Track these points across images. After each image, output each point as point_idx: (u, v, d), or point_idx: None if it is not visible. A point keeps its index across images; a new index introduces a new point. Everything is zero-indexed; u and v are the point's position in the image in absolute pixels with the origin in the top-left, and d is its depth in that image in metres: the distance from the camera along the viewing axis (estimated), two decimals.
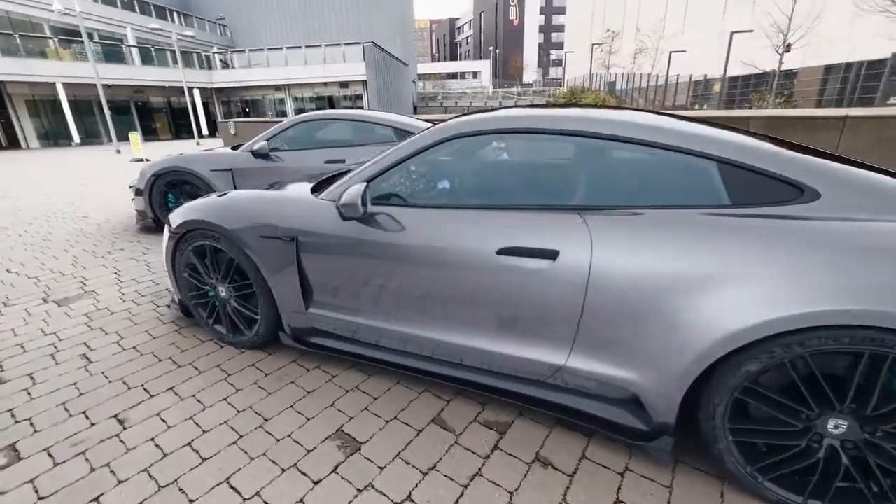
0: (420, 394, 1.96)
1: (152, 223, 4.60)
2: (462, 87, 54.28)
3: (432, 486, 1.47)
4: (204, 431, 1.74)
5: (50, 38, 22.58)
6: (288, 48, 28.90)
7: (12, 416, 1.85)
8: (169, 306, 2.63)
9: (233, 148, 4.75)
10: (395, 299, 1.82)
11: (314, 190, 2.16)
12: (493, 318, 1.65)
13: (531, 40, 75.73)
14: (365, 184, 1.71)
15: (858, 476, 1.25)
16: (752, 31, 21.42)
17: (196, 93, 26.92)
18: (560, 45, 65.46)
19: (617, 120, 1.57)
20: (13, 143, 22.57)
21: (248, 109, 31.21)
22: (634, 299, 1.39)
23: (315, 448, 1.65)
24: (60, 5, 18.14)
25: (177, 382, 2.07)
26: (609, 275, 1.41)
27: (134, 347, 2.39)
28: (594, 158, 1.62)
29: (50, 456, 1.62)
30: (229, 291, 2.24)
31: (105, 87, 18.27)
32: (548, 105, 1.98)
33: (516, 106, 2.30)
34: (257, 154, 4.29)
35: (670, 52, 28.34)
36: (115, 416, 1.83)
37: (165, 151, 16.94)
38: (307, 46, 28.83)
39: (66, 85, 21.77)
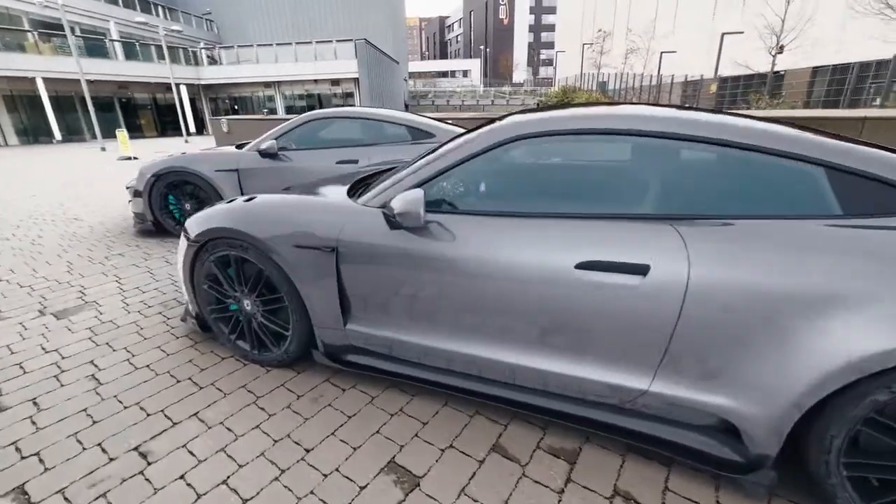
0: (472, 417, 1.80)
1: (152, 226, 4.35)
2: (453, 86, 54.06)
3: None
4: (240, 466, 1.56)
5: (29, 31, 21.72)
6: (278, 45, 28.31)
7: (17, 450, 1.64)
8: (184, 320, 2.42)
9: (237, 147, 4.52)
10: (450, 316, 1.65)
11: (349, 195, 1.99)
12: (567, 338, 1.49)
13: (521, 39, 75.83)
14: (422, 190, 1.54)
15: None
16: (742, 32, 21.68)
17: (183, 89, 26.23)
18: (549, 45, 65.69)
19: (713, 122, 1.43)
20: None
21: (236, 107, 30.53)
22: (737, 320, 1.25)
23: (368, 484, 1.48)
24: None
25: (200, 407, 1.87)
26: (708, 292, 1.27)
27: (147, 366, 2.18)
28: (680, 163, 1.47)
29: (66, 500, 1.42)
30: (256, 305, 2.05)
31: (88, 82, 17.60)
32: (590, 104, 1.83)
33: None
34: (265, 154, 4.07)
35: (661, 53, 28.58)
36: (135, 449, 1.64)
37: (153, 149, 16.52)
38: (297, 43, 28.28)
39: (46, 80, 21.00)
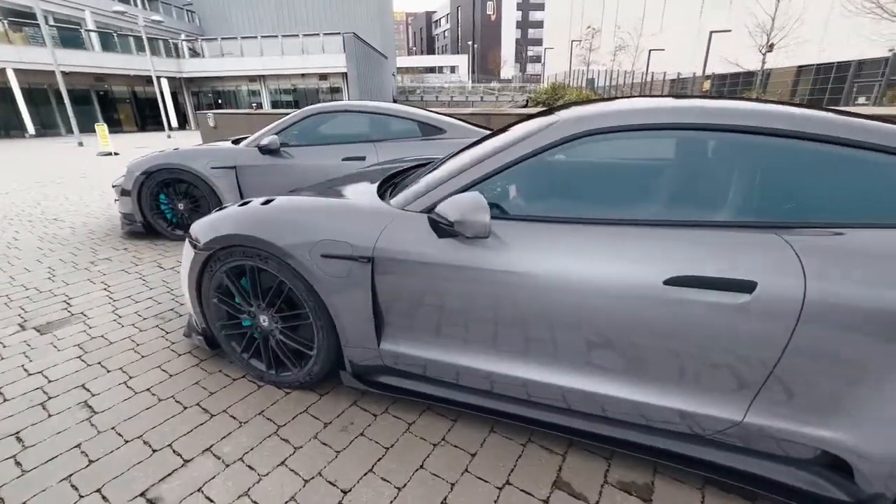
0: (524, 446, 1.61)
1: (141, 228, 4.03)
2: (441, 82, 53.65)
3: None
4: None
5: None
6: (263, 37, 27.51)
7: (1, 500, 1.39)
8: (188, 335, 2.17)
9: (233, 142, 4.23)
10: (511, 336, 1.45)
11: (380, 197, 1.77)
12: (650, 363, 1.31)
13: (509, 36, 75.64)
14: (480, 194, 1.33)
15: None
16: (730, 30, 21.92)
17: (164, 83, 25.33)
18: (537, 42, 65.73)
19: (819, 118, 1.26)
20: None
21: (220, 101, 29.64)
22: (859, 344, 1.09)
23: None
24: None
25: (215, 440, 1.64)
26: (827, 311, 1.10)
27: (148, 390, 1.93)
28: (783, 164, 1.29)
29: None
30: (274, 321, 1.82)
31: (63, 74, 16.78)
32: (635, 96, 1.65)
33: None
34: (265, 150, 3.80)
35: (650, 50, 28.77)
36: (143, 495, 1.40)
37: (133, 144, 15.85)
38: (284, 36, 27.54)
39: (17, 71, 20.03)
